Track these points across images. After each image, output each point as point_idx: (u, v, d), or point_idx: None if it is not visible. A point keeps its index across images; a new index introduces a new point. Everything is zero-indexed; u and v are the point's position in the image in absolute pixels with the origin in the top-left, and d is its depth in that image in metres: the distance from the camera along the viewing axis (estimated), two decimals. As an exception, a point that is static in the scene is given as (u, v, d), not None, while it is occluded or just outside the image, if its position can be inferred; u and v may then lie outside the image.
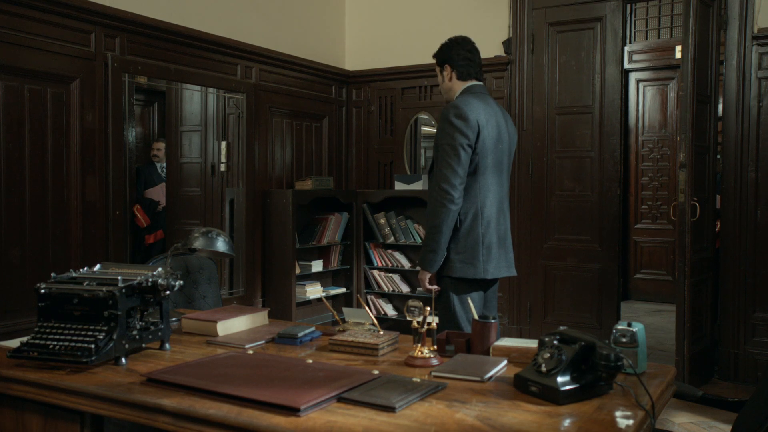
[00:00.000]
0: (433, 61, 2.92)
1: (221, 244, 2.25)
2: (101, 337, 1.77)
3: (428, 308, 1.85)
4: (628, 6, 6.88)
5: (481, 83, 2.86)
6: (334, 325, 2.34)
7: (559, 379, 1.50)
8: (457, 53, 2.82)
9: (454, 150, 2.62)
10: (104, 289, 1.81)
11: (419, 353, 1.83)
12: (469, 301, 2.22)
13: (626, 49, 6.96)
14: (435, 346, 1.87)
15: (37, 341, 1.80)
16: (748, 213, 4.24)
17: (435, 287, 2.73)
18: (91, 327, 1.80)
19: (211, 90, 4.77)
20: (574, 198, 4.77)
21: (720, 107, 4.40)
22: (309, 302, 5.07)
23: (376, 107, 5.55)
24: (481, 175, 2.69)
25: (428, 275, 2.72)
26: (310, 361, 1.81)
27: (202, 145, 5.17)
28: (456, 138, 2.63)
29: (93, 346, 1.74)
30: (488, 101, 2.79)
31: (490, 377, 1.69)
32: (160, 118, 6.67)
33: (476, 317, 1.94)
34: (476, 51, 2.86)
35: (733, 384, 4.23)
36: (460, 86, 2.82)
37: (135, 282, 1.87)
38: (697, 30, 3.91)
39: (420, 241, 5.07)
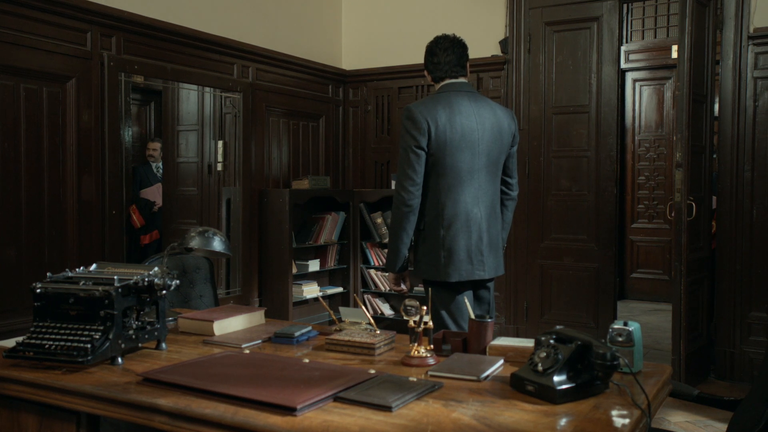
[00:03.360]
0: None
1: (218, 244, 2.25)
2: (97, 336, 1.77)
3: (425, 308, 1.85)
4: (625, 6, 6.90)
5: (458, 80, 2.75)
6: (331, 325, 2.34)
7: (556, 378, 1.51)
8: (428, 60, 2.80)
9: (405, 152, 2.64)
10: (100, 288, 1.81)
11: (416, 353, 1.83)
12: (466, 301, 2.23)
13: (623, 48, 6.97)
14: (431, 346, 1.87)
15: (33, 341, 1.79)
16: (743, 213, 4.25)
17: (401, 288, 2.80)
18: (87, 326, 1.80)
19: (207, 89, 4.77)
20: (571, 197, 4.78)
21: (716, 107, 4.41)
22: (306, 302, 5.07)
23: (372, 107, 5.55)
24: (441, 176, 2.64)
25: (391, 275, 2.78)
26: (307, 360, 1.81)
27: (198, 145, 5.16)
28: (405, 140, 2.64)
29: (89, 345, 1.74)
30: (460, 99, 2.69)
31: (487, 376, 1.69)
32: (156, 118, 6.67)
33: (472, 317, 1.94)
34: (449, 48, 2.74)
35: (729, 383, 4.24)
36: (436, 89, 2.80)
37: (131, 281, 1.86)
38: (693, 30, 3.92)
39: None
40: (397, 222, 2.66)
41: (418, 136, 2.61)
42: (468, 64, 2.81)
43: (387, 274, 2.83)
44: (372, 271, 5.37)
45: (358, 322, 2.17)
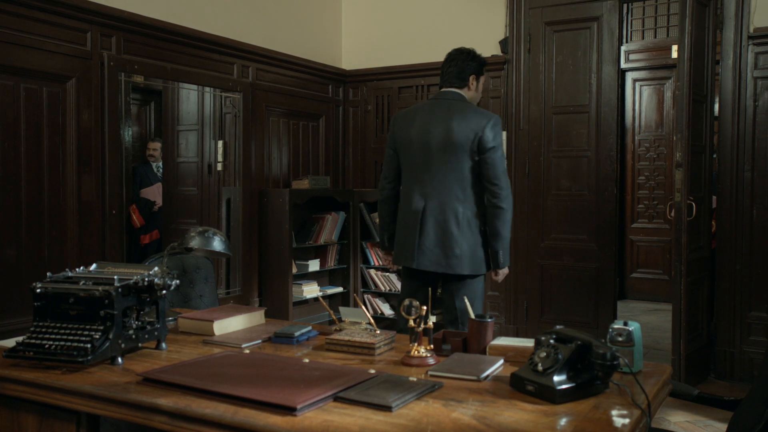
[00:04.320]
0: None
1: (218, 244, 2.25)
2: (97, 336, 1.77)
3: (425, 307, 1.85)
4: (625, 6, 6.90)
5: (449, 90, 3.08)
6: (331, 325, 2.34)
7: (556, 378, 1.51)
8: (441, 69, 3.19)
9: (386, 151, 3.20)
10: (100, 288, 1.81)
11: (416, 352, 1.83)
12: (466, 301, 2.23)
13: (623, 48, 6.96)
14: (431, 346, 1.87)
15: (33, 341, 1.79)
16: (743, 212, 4.25)
17: (392, 266, 3.24)
18: (87, 326, 1.80)
19: (207, 89, 4.77)
20: (571, 197, 4.78)
21: (716, 107, 4.41)
22: (306, 302, 5.07)
23: (373, 106, 5.55)
24: (403, 173, 3.12)
25: (381, 253, 3.35)
26: (307, 360, 1.81)
27: (198, 145, 5.16)
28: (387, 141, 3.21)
29: (89, 345, 1.74)
30: (434, 104, 3.04)
31: (487, 376, 1.69)
32: (156, 118, 6.67)
33: (473, 316, 1.94)
34: (454, 60, 3.09)
35: (729, 383, 4.24)
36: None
37: (131, 281, 1.86)
38: (693, 30, 3.92)
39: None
40: (378, 209, 3.26)
41: (389, 138, 3.16)
42: (471, 78, 3.08)
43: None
44: (372, 271, 5.37)
45: (358, 322, 2.17)
